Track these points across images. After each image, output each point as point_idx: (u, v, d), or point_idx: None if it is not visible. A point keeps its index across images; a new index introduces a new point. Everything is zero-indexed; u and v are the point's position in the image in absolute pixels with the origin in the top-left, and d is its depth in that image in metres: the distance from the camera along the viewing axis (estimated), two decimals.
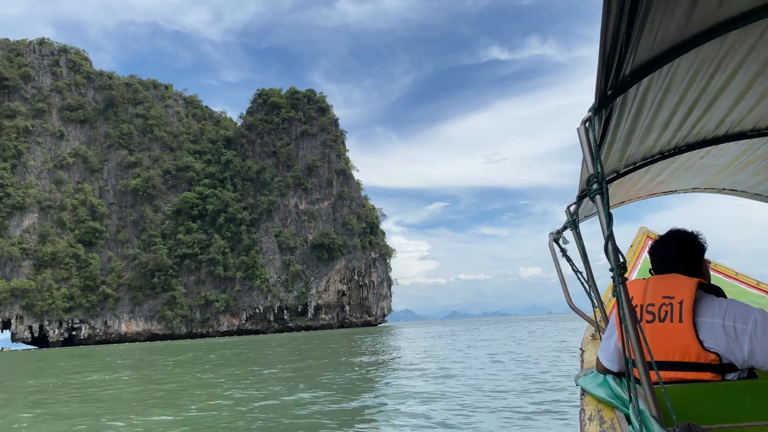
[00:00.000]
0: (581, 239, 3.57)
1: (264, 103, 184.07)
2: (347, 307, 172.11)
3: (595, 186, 1.91)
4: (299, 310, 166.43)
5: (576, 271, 3.89)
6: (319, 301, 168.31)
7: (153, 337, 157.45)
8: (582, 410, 2.38)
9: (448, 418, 9.36)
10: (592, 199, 1.96)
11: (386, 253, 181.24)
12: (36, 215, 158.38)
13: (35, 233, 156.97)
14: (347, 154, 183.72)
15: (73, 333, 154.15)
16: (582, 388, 2.67)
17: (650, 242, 5.56)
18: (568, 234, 3.96)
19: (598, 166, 1.94)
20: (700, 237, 2.67)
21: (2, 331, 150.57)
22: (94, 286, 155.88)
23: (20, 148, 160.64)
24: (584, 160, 2.09)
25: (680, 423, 1.77)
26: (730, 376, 2.33)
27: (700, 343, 2.31)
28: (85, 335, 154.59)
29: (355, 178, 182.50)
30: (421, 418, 9.46)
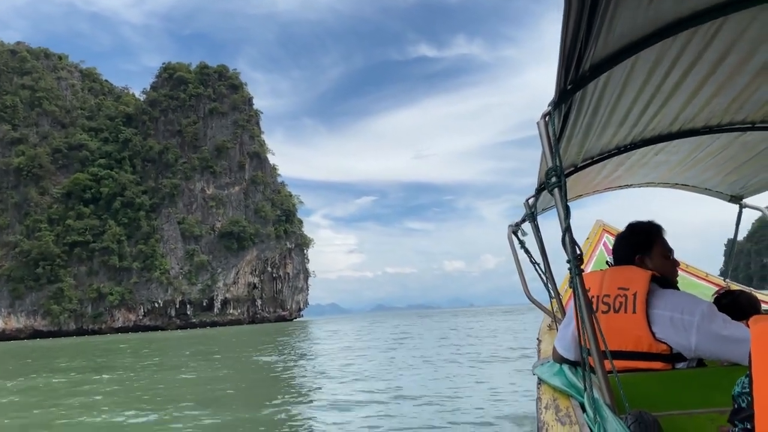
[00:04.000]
0: (539, 231, 3.74)
1: (170, 77, 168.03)
2: (259, 302, 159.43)
3: (553, 179, 1.95)
4: (204, 304, 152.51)
5: (533, 262, 4.04)
6: (227, 295, 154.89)
7: (36, 334, 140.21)
8: (538, 399, 2.44)
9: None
10: (551, 192, 1.99)
11: (303, 243, 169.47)
12: None
13: None
14: (262, 136, 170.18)
15: None
16: (538, 378, 2.72)
17: (606, 235, 6.69)
18: (527, 226, 4.03)
19: (557, 160, 1.97)
20: (652, 224, 2.75)
21: None
22: None
23: None
24: (543, 153, 2.13)
25: (632, 410, 1.82)
26: (680, 365, 2.40)
27: (652, 334, 2.37)
28: None
29: (271, 162, 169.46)
30: None
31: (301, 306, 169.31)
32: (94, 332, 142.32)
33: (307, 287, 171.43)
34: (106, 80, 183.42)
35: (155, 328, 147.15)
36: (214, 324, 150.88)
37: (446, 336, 34.12)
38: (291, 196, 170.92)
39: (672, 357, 2.40)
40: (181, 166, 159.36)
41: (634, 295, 2.44)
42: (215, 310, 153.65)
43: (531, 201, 3.81)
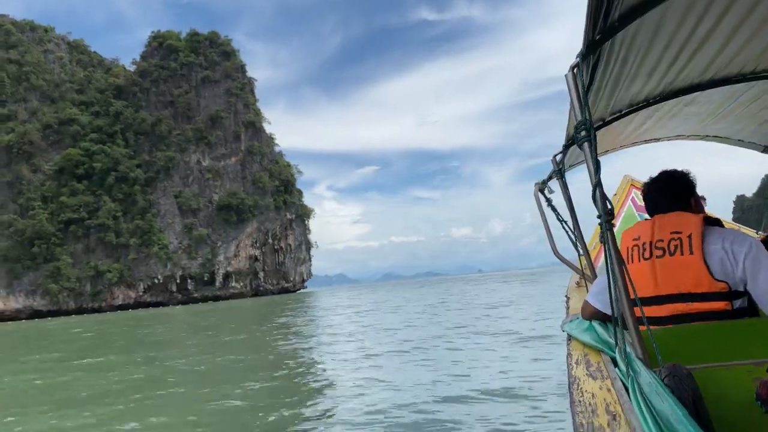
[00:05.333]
0: (567, 188, 3.72)
1: (160, 46, 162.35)
2: (261, 274, 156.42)
3: (583, 133, 1.92)
4: (206, 278, 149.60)
5: (561, 220, 3.97)
6: (229, 269, 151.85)
7: (36, 315, 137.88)
8: (569, 354, 2.45)
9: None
10: (580, 147, 1.97)
11: (304, 213, 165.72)
12: None
13: None
14: (257, 104, 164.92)
15: None
16: (568, 334, 2.75)
17: (634, 190, 6.56)
18: (553, 184, 4.03)
19: (587, 113, 1.95)
20: (690, 175, 2.78)
21: None
22: None
23: None
24: (572, 107, 2.10)
25: (666, 364, 1.82)
26: (738, 303, 2.41)
27: (711, 273, 2.39)
28: None
29: (267, 131, 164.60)
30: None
31: (305, 277, 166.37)
32: (94, 310, 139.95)
33: (310, 258, 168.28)
34: (95, 52, 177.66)
35: (156, 305, 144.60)
36: (216, 298, 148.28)
37: (461, 302, 32.46)
38: (289, 165, 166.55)
39: (731, 295, 2.38)
40: (174, 138, 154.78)
41: (689, 236, 2.45)
42: (217, 284, 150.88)
43: (558, 157, 3.70)
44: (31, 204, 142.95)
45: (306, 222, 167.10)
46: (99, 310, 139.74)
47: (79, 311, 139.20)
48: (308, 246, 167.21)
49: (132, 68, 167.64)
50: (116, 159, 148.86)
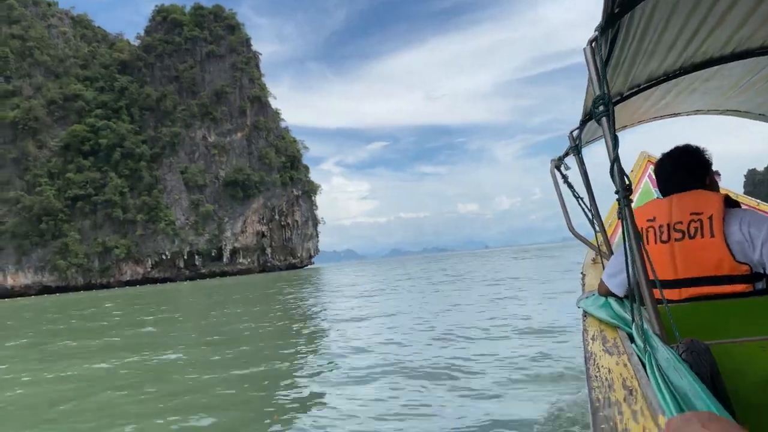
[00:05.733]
0: (584, 164, 3.73)
1: (164, 20, 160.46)
2: (268, 250, 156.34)
3: (601, 108, 1.90)
4: (213, 254, 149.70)
5: (577, 197, 3.99)
6: (236, 244, 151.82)
7: (45, 290, 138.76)
8: (585, 331, 2.45)
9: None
10: (598, 122, 1.95)
11: (311, 189, 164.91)
12: None
13: None
14: (263, 79, 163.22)
15: None
16: (584, 311, 2.75)
17: (651, 166, 6.44)
18: (569, 160, 4.04)
19: (605, 87, 1.92)
20: (705, 152, 2.71)
21: None
22: None
23: None
24: (590, 81, 2.07)
25: (683, 339, 1.81)
26: (759, 285, 2.36)
27: (732, 256, 2.34)
28: None
29: (273, 106, 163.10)
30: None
31: (312, 253, 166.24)
32: (102, 286, 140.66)
33: (317, 234, 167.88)
34: (99, 27, 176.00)
35: (164, 280, 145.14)
36: (224, 274, 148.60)
37: (471, 277, 31.32)
38: (295, 141, 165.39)
39: (752, 277, 2.33)
40: (180, 113, 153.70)
41: (710, 218, 2.38)
42: (224, 260, 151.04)
43: (575, 133, 3.65)
44: (37, 180, 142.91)
45: (313, 198, 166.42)
46: (107, 286, 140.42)
47: (88, 287, 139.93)
48: (315, 222, 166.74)
49: (136, 43, 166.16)
50: (122, 135, 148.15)
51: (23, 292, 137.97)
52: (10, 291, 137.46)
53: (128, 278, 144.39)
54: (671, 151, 2.72)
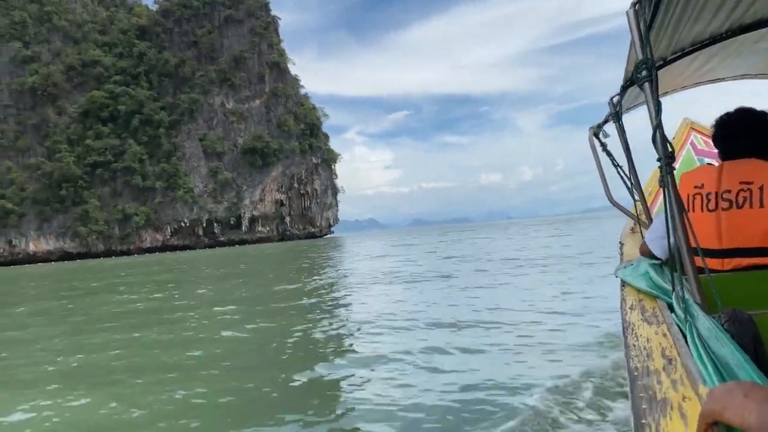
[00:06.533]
0: (624, 131, 3.65)
1: None
2: (287, 219, 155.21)
3: (644, 73, 1.85)
4: (232, 222, 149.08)
5: (616, 165, 3.88)
6: (255, 213, 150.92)
7: (66, 256, 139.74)
8: (622, 300, 2.41)
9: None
10: (641, 87, 1.90)
11: (330, 158, 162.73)
12: None
13: None
14: (282, 44, 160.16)
15: None
16: (622, 280, 2.72)
17: (694, 134, 6.46)
18: (608, 128, 3.96)
19: (648, 52, 1.86)
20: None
21: None
22: None
23: None
24: (632, 45, 2.00)
25: (725, 309, 1.79)
26: None
27: None
28: None
29: (292, 72, 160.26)
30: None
31: (331, 222, 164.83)
32: (122, 253, 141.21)
33: (336, 203, 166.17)
34: None
35: (183, 248, 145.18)
36: (243, 242, 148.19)
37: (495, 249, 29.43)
38: (315, 109, 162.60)
39: None
40: (198, 79, 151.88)
41: (760, 188, 2.28)
42: (243, 228, 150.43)
43: (615, 99, 3.54)
44: (57, 147, 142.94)
45: (332, 167, 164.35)
46: (127, 253, 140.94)
47: (108, 254, 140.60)
48: (335, 191, 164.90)
49: (155, 8, 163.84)
50: (140, 101, 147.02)
51: (45, 257, 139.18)
52: (32, 257, 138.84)
53: (148, 245, 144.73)
54: (735, 112, 2.55)
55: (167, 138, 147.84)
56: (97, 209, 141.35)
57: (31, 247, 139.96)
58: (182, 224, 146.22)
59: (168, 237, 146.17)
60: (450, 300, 11.13)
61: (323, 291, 14.84)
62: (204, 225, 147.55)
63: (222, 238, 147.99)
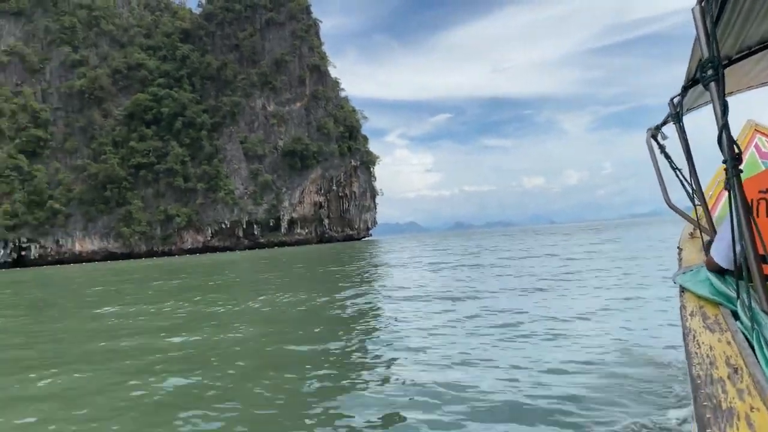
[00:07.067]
0: (684, 133, 3.54)
1: None
2: (326, 221, 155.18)
3: (710, 72, 1.79)
4: (271, 224, 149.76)
5: (675, 168, 3.74)
6: (294, 215, 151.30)
7: (110, 257, 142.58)
8: (682, 307, 2.37)
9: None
10: (706, 86, 1.85)
11: (369, 160, 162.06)
12: None
13: None
14: (323, 47, 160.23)
15: (23, 253, 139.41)
16: (681, 286, 2.68)
17: (758, 136, 6.14)
18: (667, 129, 3.84)
19: (714, 50, 1.80)
20: None
21: None
22: (41, 202, 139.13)
23: None
24: (697, 43, 1.96)
25: None
26: None
27: None
28: (36, 255, 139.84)
29: (332, 75, 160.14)
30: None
31: (369, 225, 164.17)
32: (164, 254, 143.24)
33: (375, 206, 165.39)
34: None
35: (224, 249, 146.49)
36: (282, 244, 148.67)
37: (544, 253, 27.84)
38: (354, 111, 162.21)
39: None
40: (240, 82, 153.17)
41: None
42: (282, 230, 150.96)
43: (676, 100, 3.46)
44: (103, 149, 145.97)
45: (371, 169, 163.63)
46: (169, 254, 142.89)
47: (150, 254, 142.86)
48: (373, 193, 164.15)
49: (198, 11, 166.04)
50: (183, 104, 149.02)
51: (90, 257, 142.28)
52: (77, 256, 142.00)
53: (189, 246, 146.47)
54: None
55: (209, 140, 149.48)
56: (140, 210, 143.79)
57: (77, 247, 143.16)
58: (223, 226, 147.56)
59: (209, 238, 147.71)
60: (497, 309, 10.47)
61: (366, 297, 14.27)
62: (244, 227, 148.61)
63: (261, 240, 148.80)
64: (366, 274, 22.37)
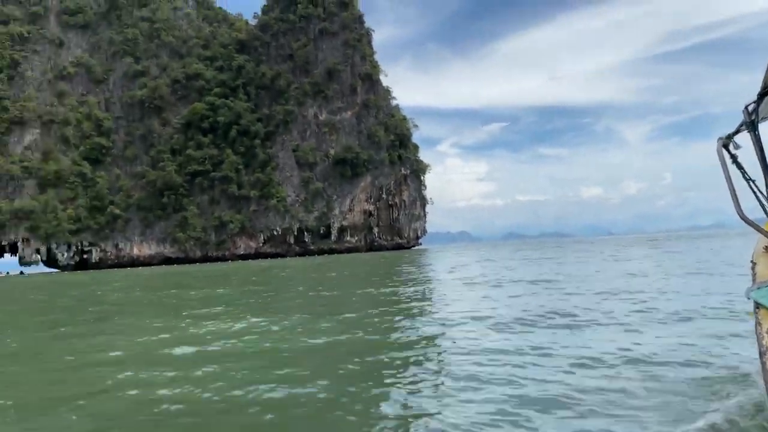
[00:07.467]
0: (760, 142, 3.40)
1: None
2: (375, 229, 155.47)
3: None
4: (321, 232, 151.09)
5: (748, 179, 3.61)
6: (344, 222, 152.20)
7: (166, 261, 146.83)
8: (758, 323, 2.28)
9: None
10: None
11: (419, 169, 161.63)
12: (37, 131, 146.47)
13: (38, 150, 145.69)
14: (375, 56, 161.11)
15: (84, 256, 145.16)
16: (755, 302, 2.58)
17: None
18: (740, 139, 3.69)
19: None
20: None
21: (10, 255, 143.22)
22: (102, 207, 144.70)
23: (16, 57, 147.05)
24: None
25: None
26: None
27: None
28: (97, 259, 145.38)
29: (384, 84, 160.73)
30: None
31: (419, 234, 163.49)
32: (217, 259, 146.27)
33: (425, 215, 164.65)
34: (220, 8, 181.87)
35: (275, 255, 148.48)
36: (332, 251, 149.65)
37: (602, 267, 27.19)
38: (405, 119, 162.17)
39: None
40: (293, 91, 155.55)
41: None
42: (332, 238, 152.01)
43: (751, 107, 3.27)
44: (161, 156, 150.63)
45: (422, 178, 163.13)
46: (222, 259, 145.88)
47: (204, 259, 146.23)
48: (423, 202, 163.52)
49: (254, 22, 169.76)
50: (238, 113, 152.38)
51: (147, 261, 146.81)
52: (135, 260, 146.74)
53: (242, 252, 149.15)
54: None
55: (262, 148, 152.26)
56: (195, 216, 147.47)
57: (135, 251, 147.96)
58: (274, 232, 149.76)
59: (261, 244, 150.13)
60: (561, 330, 10.03)
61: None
62: (295, 233, 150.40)
63: (312, 247, 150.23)
64: (418, 290, 22.00)
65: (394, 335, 10.29)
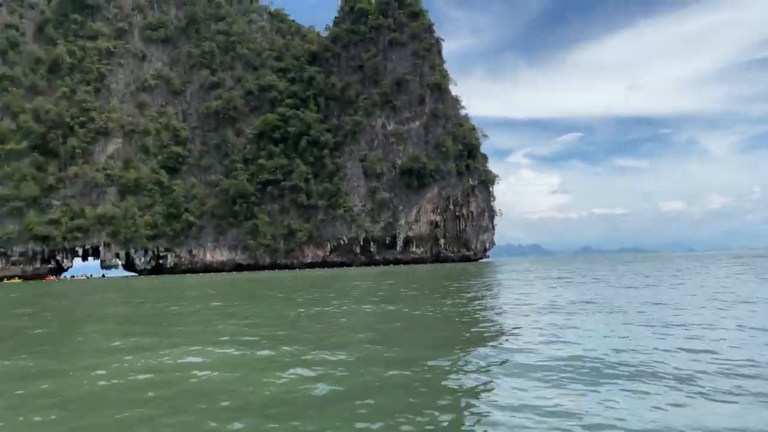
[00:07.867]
0: None
1: (351, 11, 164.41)
2: (442, 240, 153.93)
3: None
4: (387, 242, 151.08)
5: None
6: (409, 233, 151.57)
7: (237, 267, 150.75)
8: None
9: None
10: None
11: (488, 179, 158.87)
12: (120, 140, 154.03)
13: (119, 159, 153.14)
14: (444, 66, 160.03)
15: (160, 261, 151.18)
16: None
17: None
18: None
19: None
20: None
21: (92, 258, 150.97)
22: (177, 214, 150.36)
23: (102, 70, 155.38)
24: None
25: None
26: None
27: None
28: (172, 264, 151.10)
29: (453, 93, 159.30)
30: None
31: (487, 246, 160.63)
32: (286, 266, 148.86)
33: (493, 227, 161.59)
34: (293, 20, 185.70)
35: (341, 264, 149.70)
36: (397, 262, 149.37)
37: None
38: (474, 129, 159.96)
39: None
40: (362, 102, 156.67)
41: None
42: (398, 248, 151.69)
43: None
44: (234, 165, 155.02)
45: (490, 189, 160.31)
46: (290, 267, 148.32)
47: (273, 266, 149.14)
48: (491, 214, 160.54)
49: (325, 34, 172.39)
50: (308, 123, 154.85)
51: (219, 267, 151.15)
52: (207, 266, 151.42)
53: (309, 260, 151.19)
54: None
55: (331, 158, 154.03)
56: (266, 224, 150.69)
57: (208, 257, 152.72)
58: (341, 242, 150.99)
59: (328, 253, 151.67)
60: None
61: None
62: (361, 243, 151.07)
63: (377, 257, 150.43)
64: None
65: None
